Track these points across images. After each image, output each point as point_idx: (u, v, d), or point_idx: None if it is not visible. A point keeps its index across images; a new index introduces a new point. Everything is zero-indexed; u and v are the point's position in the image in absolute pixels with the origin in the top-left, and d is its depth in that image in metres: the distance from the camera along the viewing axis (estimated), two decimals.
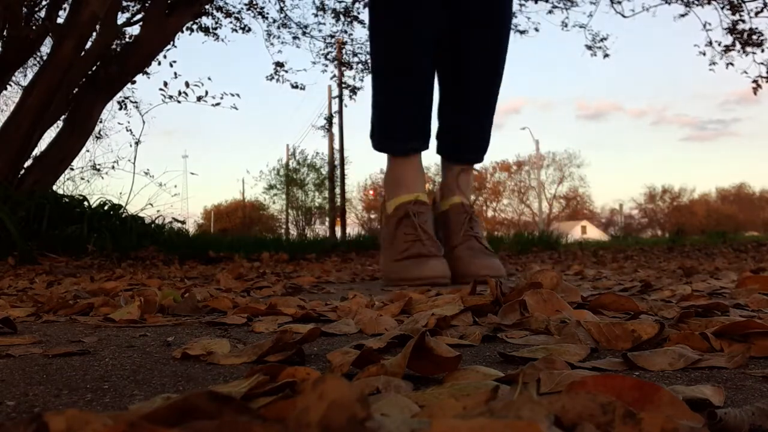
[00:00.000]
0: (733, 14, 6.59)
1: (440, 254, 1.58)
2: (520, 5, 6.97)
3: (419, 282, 1.48)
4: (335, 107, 15.24)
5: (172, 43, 5.37)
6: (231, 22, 6.49)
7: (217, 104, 5.71)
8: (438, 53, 1.70)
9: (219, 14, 6.33)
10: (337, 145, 16.72)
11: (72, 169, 5.36)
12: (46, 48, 5.16)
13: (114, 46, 4.92)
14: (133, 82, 5.41)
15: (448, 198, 1.76)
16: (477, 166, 1.83)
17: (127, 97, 6.23)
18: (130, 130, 5.91)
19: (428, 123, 1.67)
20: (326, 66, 7.57)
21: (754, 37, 6.56)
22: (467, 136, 1.77)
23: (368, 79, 7.57)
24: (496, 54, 1.70)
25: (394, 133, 1.66)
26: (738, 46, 6.69)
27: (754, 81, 6.58)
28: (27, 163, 4.22)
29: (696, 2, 6.70)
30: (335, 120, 15.49)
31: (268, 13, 6.95)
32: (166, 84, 5.34)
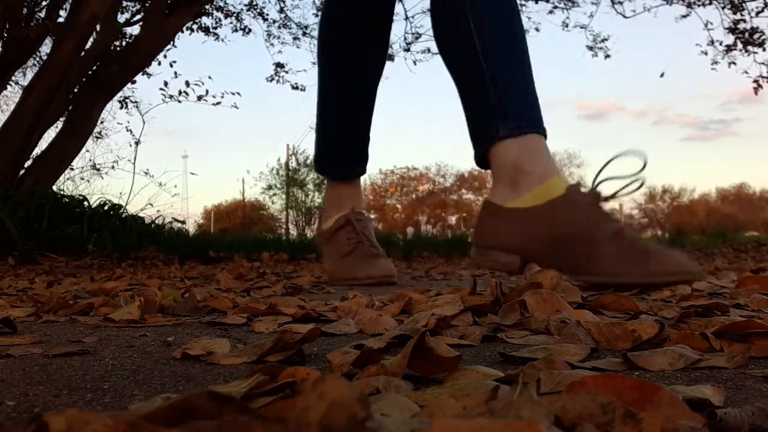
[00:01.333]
0: (734, 14, 6.59)
1: (384, 256, 1.62)
2: (521, 5, 6.98)
3: (369, 281, 1.52)
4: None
5: (172, 43, 5.37)
6: (231, 23, 6.49)
7: (218, 103, 5.71)
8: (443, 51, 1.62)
9: (219, 14, 6.33)
10: None
11: (72, 169, 5.36)
12: (46, 48, 5.16)
13: (114, 46, 4.92)
14: (133, 82, 5.41)
15: (536, 186, 1.28)
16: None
17: (127, 97, 6.23)
18: (130, 130, 5.92)
19: (364, 150, 1.71)
20: None
21: (756, 36, 6.57)
22: (514, 93, 1.39)
23: None
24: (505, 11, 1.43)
25: (328, 160, 1.72)
26: (739, 46, 6.69)
27: (755, 81, 6.58)
28: (27, 163, 4.22)
29: (697, 2, 6.71)
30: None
31: (268, 14, 6.96)
32: (166, 84, 5.34)
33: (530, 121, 1.35)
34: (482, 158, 1.38)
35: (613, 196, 1.22)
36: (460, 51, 1.43)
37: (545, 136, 1.35)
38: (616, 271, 1.08)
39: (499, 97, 1.37)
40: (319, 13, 7.38)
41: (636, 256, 1.08)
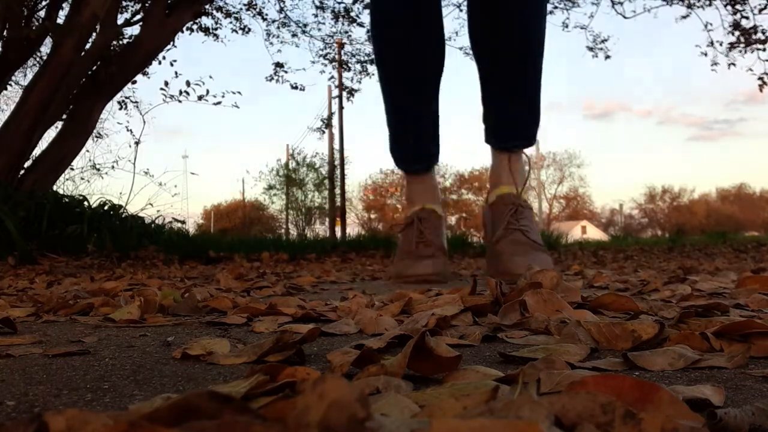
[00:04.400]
0: (735, 14, 6.59)
1: (438, 255, 1.67)
2: None
3: (411, 279, 1.59)
4: (335, 107, 15.25)
5: (172, 43, 5.37)
6: (231, 23, 6.49)
7: (218, 103, 5.71)
8: (474, 37, 1.68)
9: (219, 14, 6.33)
10: (337, 145, 16.72)
11: (72, 169, 5.35)
12: (46, 48, 5.16)
13: (114, 46, 4.92)
14: (134, 82, 5.40)
15: (495, 188, 1.68)
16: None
17: (127, 97, 6.23)
18: (131, 129, 5.91)
19: (432, 144, 1.80)
20: (325, 66, 7.57)
21: (758, 34, 6.56)
22: (513, 120, 1.68)
23: (366, 80, 7.58)
24: (534, 28, 1.61)
25: (402, 155, 1.82)
26: (742, 44, 6.68)
27: (760, 78, 6.57)
28: (27, 163, 4.22)
29: (697, 3, 6.70)
30: (335, 120, 15.49)
31: (267, 14, 6.96)
32: (167, 83, 5.34)
33: (531, 140, 1.69)
34: (487, 140, 1.73)
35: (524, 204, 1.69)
36: (509, 52, 1.61)
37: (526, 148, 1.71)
38: (489, 264, 1.62)
39: (526, 109, 1.67)
40: (320, 17, 7.37)
41: (493, 256, 1.60)
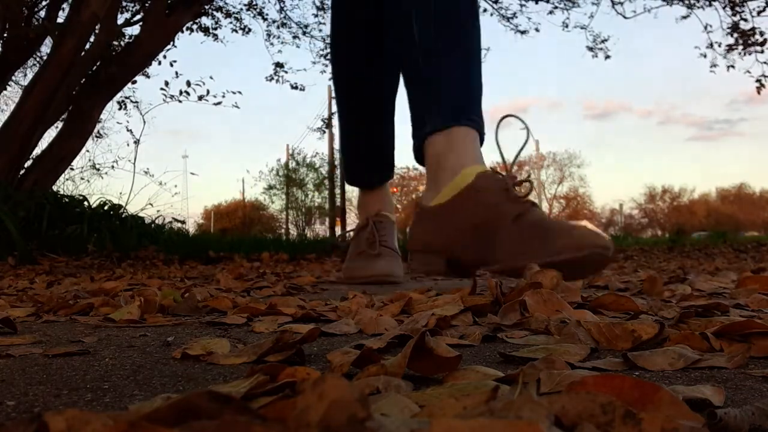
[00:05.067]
0: (734, 15, 6.59)
1: (393, 256, 1.69)
2: (521, 5, 6.98)
3: (366, 279, 1.61)
4: (335, 107, 15.24)
5: (172, 43, 5.37)
6: (231, 23, 6.49)
7: (219, 103, 5.71)
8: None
9: (219, 14, 6.33)
10: (337, 145, 16.72)
11: (72, 169, 5.37)
12: (46, 48, 5.16)
13: (114, 46, 4.92)
14: (134, 82, 5.41)
15: (450, 180, 1.25)
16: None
17: (127, 97, 6.24)
18: (131, 130, 5.92)
19: (389, 158, 1.81)
20: (326, 66, 7.57)
21: (757, 36, 6.57)
22: (447, 85, 1.34)
23: None
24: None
25: (357, 172, 1.83)
26: (740, 46, 6.69)
27: (758, 80, 6.58)
28: (27, 163, 4.22)
29: (697, 4, 6.71)
30: (335, 120, 15.49)
31: (267, 14, 6.96)
32: (167, 83, 5.34)
33: (456, 115, 1.30)
34: (418, 153, 1.40)
35: (526, 180, 1.19)
36: (405, 47, 1.41)
37: (477, 128, 1.31)
38: (512, 256, 1.05)
39: (430, 94, 1.36)
40: (320, 17, 7.35)
41: (536, 236, 1.04)
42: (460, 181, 1.20)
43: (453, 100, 1.35)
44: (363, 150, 1.80)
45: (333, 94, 1.85)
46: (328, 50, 7.40)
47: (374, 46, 1.69)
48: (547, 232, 1.06)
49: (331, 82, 9.15)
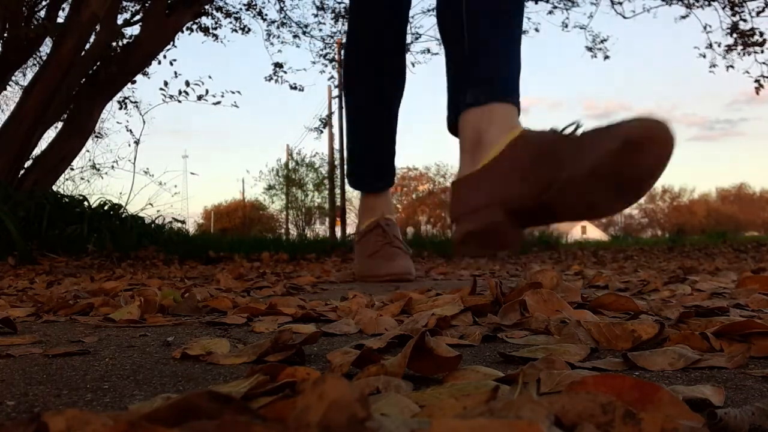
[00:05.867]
0: (733, 15, 6.60)
1: (406, 256, 1.79)
2: None
3: (387, 278, 1.70)
4: (335, 107, 15.25)
5: (172, 43, 5.37)
6: (231, 23, 6.49)
7: (218, 102, 5.71)
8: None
9: (219, 14, 6.33)
10: (337, 145, 16.73)
11: (72, 169, 5.36)
12: (46, 48, 5.16)
13: (114, 46, 4.92)
14: (133, 82, 5.41)
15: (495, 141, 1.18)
16: None
17: (127, 97, 6.24)
18: (130, 129, 5.92)
19: (393, 165, 1.91)
20: (325, 66, 7.57)
21: (755, 37, 6.57)
22: (492, 61, 1.34)
23: None
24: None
25: (360, 177, 1.92)
26: (739, 47, 6.69)
27: (756, 81, 6.58)
28: (27, 163, 4.22)
29: (696, 4, 6.71)
30: (335, 120, 15.50)
31: (267, 14, 6.96)
32: (166, 83, 5.34)
33: (500, 91, 1.28)
34: (452, 125, 1.37)
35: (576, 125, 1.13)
36: (450, 20, 1.41)
37: (517, 108, 1.29)
38: (580, 157, 0.97)
39: (473, 65, 1.35)
40: (320, 17, 7.35)
41: (598, 135, 0.98)
42: (506, 138, 1.16)
43: (497, 76, 1.34)
44: (371, 158, 1.90)
45: (342, 104, 2.06)
46: (328, 51, 7.40)
47: (386, 59, 1.81)
48: (605, 129, 1.00)
49: (330, 82, 9.13)
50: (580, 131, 1.08)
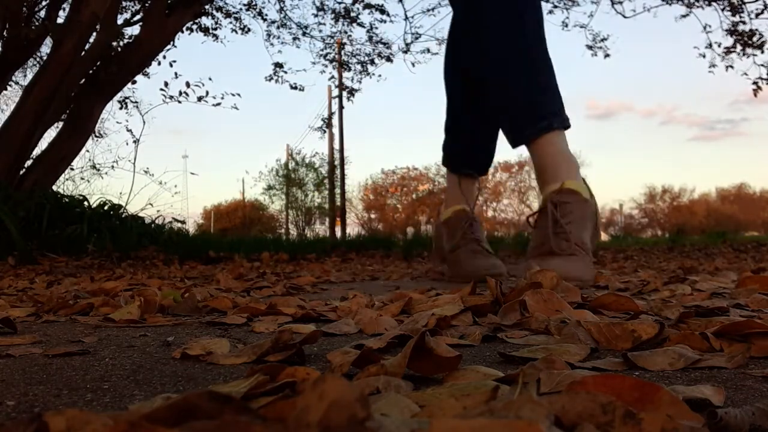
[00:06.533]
0: (733, 15, 6.60)
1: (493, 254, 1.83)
2: None
3: (483, 275, 1.68)
4: (335, 107, 15.25)
5: (172, 43, 5.37)
6: (231, 23, 6.49)
7: (218, 104, 5.72)
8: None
9: (219, 14, 6.33)
10: (337, 145, 16.73)
11: (72, 169, 5.36)
12: (46, 48, 5.16)
13: (114, 47, 4.92)
14: (134, 82, 5.41)
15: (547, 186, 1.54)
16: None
17: (127, 97, 6.24)
18: (130, 130, 5.92)
19: (489, 153, 1.96)
20: (325, 66, 7.57)
21: (755, 38, 6.57)
22: (514, 106, 1.60)
23: (366, 80, 7.61)
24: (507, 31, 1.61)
25: (458, 156, 1.95)
26: (738, 48, 6.69)
27: (755, 83, 6.59)
28: (27, 163, 4.22)
29: (696, 3, 6.71)
30: (335, 120, 15.50)
31: (267, 14, 6.96)
32: (166, 84, 5.34)
33: (537, 125, 1.53)
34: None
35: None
36: (477, 77, 1.68)
37: (557, 126, 1.55)
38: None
39: (510, 109, 1.59)
40: (320, 17, 7.34)
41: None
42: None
43: (525, 113, 1.58)
44: (478, 137, 1.92)
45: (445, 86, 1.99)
46: (328, 51, 7.39)
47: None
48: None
49: (330, 82, 9.13)
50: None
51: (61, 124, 4.62)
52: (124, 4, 5.32)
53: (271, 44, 7.09)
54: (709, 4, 6.66)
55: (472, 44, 1.67)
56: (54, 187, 4.38)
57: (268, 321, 0.79)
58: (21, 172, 4.10)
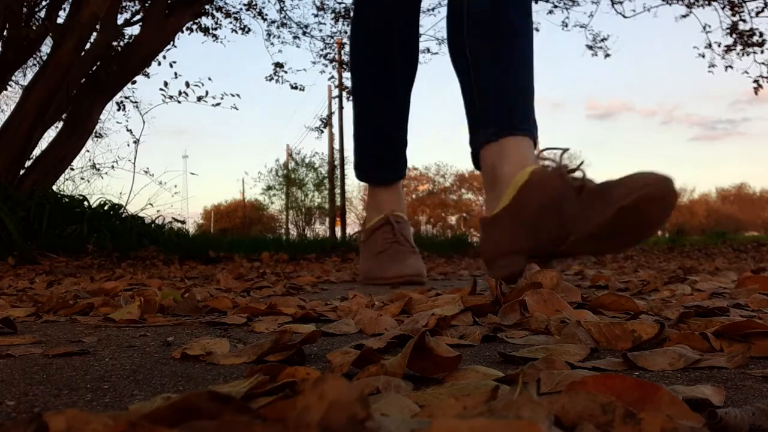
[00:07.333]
0: (734, 15, 6.60)
1: (416, 255, 1.67)
2: None
3: (396, 280, 1.58)
4: (335, 107, 15.25)
5: (172, 43, 5.37)
6: (231, 23, 6.49)
7: (218, 104, 5.72)
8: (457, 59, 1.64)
9: (219, 14, 6.33)
10: (337, 145, 16.73)
11: (72, 169, 5.36)
12: (46, 48, 5.16)
13: (114, 47, 4.92)
14: (133, 82, 5.41)
15: (507, 187, 1.29)
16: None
17: (127, 97, 6.24)
18: (130, 130, 5.92)
19: (403, 156, 1.78)
20: (325, 66, 7.58)
21: (755, 37, 6.57)
22: (497, 96, 1.42)
23: None
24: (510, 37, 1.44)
25: (368, 168, 1.79)
26: (739, 47, 6.70)
27: (755, 81, 6.59)
28: (27, 163, 4.22)
29: (696, 3, 6.71)
30: (335, 120, 15.50)
31: (267, 14, 6.97)
32: (166, 84, 5.35)
33: (508, 125, 1.37)
34: (475, 161, 1.45)
35: (578, 168, 1.22)
36: (462, 63, 1.49)
37: (529, 135, 1.37)
38: (584, 221, 1.10)
39: (482, 105, 1.43)
40: (320, 17, 7.36)
41: (599, 196, 1.10)
42: (518, 180, 1.26)
43: (504, 110, 1.41)
44: (378, 147, 1.77)
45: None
46: (328, 51, 7.40)
47: (394, 46, 1.70)
48: (605, 189, 1.10)
49: (330, 82, 9.14)
50: (581, 175, 1.18)
51: (61, 124, 4.62)
52: (124, 4, 5.32)
53: (272, 44, 7.11)
54: (709, 4, 6.66)
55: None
56: (54, 187, 4.38)
57: (268, 321, 0.79)
58: (21, 172, 4.10)
